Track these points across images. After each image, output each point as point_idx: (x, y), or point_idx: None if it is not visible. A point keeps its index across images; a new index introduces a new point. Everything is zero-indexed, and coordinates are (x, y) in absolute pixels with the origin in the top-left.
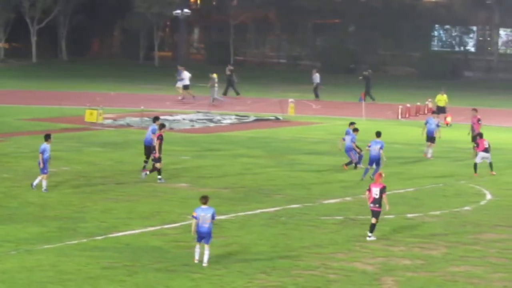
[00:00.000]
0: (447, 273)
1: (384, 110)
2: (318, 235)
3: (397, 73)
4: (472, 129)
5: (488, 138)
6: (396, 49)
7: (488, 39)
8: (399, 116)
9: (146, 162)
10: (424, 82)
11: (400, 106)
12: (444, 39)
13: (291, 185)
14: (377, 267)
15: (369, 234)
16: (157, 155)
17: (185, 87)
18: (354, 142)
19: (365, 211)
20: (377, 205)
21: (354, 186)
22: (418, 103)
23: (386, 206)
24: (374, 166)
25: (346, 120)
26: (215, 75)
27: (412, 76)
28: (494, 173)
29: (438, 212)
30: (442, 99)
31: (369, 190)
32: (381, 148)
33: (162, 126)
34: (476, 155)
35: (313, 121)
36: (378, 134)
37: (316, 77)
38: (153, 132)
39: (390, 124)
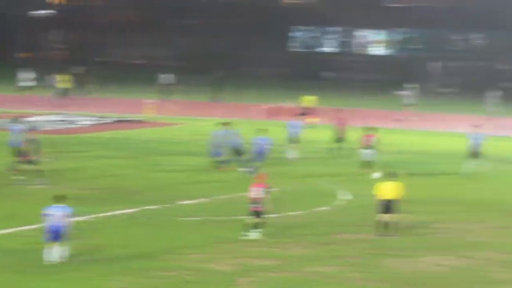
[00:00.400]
0: (305, 272)
1: (245, 111)
2: (175, 236)
3: (259, 74)
4: (337, 130)
5: (353, 139)
6: (258, 49)
7: (349, 39)
8: (261, 117)
9: (16, 163)
10: (285, 83)
11: (261, 107)
12: (305, 40)
13: (151, 186)
14: (235, 268)
15: (258, 231)
16: (28, 157)
17: (25, 88)
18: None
19: (223, 211)
20: (258, 205)
21: (214, 187)
22: (280, 104)
23: (268, 205)
24: (257, 163)
25: (208, 121)
26: (58, 76)
27: (274, 77)
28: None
29: (298, 212)
30: (308, 100)
31: (252, 190)
32: (266, 144)
33: (31, 127)
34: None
35: (175, 122)
36: (263, 131)
37: (166, 78)
38: (19, 133)
39: (252, 124)
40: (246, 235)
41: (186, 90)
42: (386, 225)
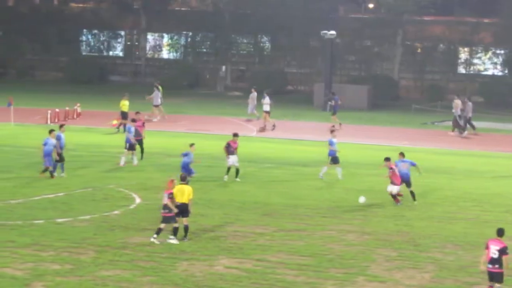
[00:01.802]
0: (96, 277)
1: (33, 115)
2: None
3: (46, 78)
4: (137, 133)
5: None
6: (44, 53)
7: (136, 43)
8: (48, 121)
9: None
10: (72, 87)
11: (49, 111)
12: (92, 43)
13: None
14: (27, 273)
15: (170, 237)
16: None
17: None
18: (55, 147)
19: (14, 216)
20: (167, 211)
21: (2, 192)
22: (67, 108)
23: (173, 209)
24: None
25: None
26: None
27: (60, 80)
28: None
29: (88, 217)
30: (125, 104)
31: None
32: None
33: None
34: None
35: None
36: None
37: None
38: None
39: (40, 129)
40: (170, 239)
41: None
42: (178, 228)
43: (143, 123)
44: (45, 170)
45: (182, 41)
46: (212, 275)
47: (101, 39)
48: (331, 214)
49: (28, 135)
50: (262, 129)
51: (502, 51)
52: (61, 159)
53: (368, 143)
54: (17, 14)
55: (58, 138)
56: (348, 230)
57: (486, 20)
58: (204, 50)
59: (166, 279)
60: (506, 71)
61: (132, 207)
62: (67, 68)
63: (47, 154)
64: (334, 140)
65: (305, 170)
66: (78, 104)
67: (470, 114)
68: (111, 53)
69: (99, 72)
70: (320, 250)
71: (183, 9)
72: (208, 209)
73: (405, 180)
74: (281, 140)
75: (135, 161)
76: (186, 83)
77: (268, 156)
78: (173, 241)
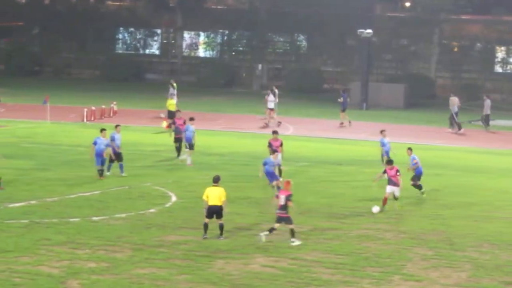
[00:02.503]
0: (132, 275)
1: (68, 113)
2: (3, 239)
3: (82, 76)
4: (178, 131)
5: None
6: (80, 51)
7: (173, 41)
8: (84, 119)
9: None
10: (108, 85)
11: (85, 109)
12: (128, 41)
13: None
14: (63, 270)
15: (292, 240)
16: None
17: None
18: (108, 146)
19: (52, 214)
20: (284, 212)
21: (38, 190)
22: (103, 106)
23: (292, 209)
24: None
25: (30, 123)
26: None
27: (96, 79)
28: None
29: (123, 215)
30: (172, 103)
31: (277, 197)
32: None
33: None
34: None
35: None
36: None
37: None
38: None
39: (76, 126)
40: (292, 241)
41: (10, 92)
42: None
43: (184, 121)
44: (100, 171)
45: (218, 40)
46: (248, 274)
47: (137, 37)
48: (367, 213)
49: (64, 133)
50: (266, 125)
51: None
52: (119, 158)
53: (404, 141)
54: (53, 12)
55: (113, 139)
56: (384, 229)
57: None
58: (240, 48)
59: (202, 277)
60: None
61: (168, 205)
62: (103, 66)
63: (98, 154)
64: (386, 140)
65: (340, 168)
66: (115, 102)
67: (488, 112)
68: (147, 51)
69: (135, 70)
70: (356, 249)
71: (219, 7)
72: (244, 207)
73: (417, 175)
74: (317, 138)
75: (189, 161)
76: (223, 82)
77: (304, 155)
78: (297, 242)
